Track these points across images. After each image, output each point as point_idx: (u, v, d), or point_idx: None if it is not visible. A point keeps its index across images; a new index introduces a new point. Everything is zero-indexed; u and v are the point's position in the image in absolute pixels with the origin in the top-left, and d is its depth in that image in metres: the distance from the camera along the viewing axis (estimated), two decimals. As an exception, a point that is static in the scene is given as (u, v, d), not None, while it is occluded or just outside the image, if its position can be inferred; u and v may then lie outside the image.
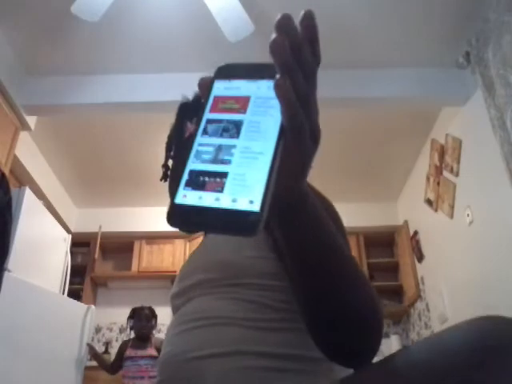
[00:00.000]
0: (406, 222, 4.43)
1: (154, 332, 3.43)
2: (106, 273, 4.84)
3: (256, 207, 0.33)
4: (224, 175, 0.35)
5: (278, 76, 0.35)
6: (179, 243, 4.76)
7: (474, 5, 2.60)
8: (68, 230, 4.24)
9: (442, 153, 3.46)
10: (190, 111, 0.98)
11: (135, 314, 3.36)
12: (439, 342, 0.49)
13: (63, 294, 3.61)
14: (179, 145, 0.97)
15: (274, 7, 2.62)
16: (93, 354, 3.41)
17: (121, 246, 4.86)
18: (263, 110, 0.37)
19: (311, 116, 0.38)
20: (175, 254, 4.73)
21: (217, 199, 0.34)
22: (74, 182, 4.41)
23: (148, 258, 4.75)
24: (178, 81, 3.04)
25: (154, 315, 3.41)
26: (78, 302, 3.54)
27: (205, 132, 0.37)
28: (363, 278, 0.54)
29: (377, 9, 2.65)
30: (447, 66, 2.96)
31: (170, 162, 1.02)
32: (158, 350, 3.26)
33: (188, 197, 0.35)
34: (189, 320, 0.72)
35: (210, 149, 0.36)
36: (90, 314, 3.47)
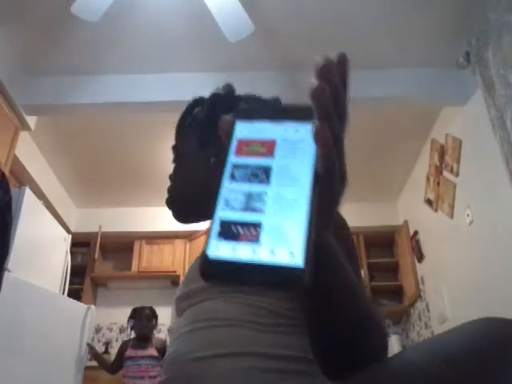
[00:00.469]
0: (405, 222, 4.43)
1: (154, 332, 3.44)
2: (105, 273, 4.84)
3: (298, 260, 0.31)
4: (258, 225, 0.33)
5: (316, 121, 0.35)
6: (179, 243, 4.76)
7: (473, 5, 2.60)
8: (68, 230, 4.24)
9: (442, 153, 3.46)
10: (222, 104, 0.91)
11: (136, 314, 3.36)
12: (439, 344, 0.48)
13: (63, 294, 3.61)
14: (206, 133, 0.90)
15: (274, 7, 2.62)
16: (93, 353, 3.41)
17: (121, 246, 4.86)
18: (292, 154, 0.36)
19: (341, 156, 0.39)
20: (175, 254, 4.73)
21: (254, 251, 0.32)
22: (73, 182, 4.41)
23: (148, 258, 4.74)
24: (178, 81, 3.04)
25: (154, 315, 3.42)
26: (78, 302, 3.54)
27: (232, 177, 0.36)
28: (375, 314, 0.55)
29: (377, 9, 2.65)
30: (447, 66, 2.96)
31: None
32: (159, 350, 3.26)
33: (222, 249, 0.32)
34: (196, 321, 0.73)
35: (240, 196, 0.34)
36: (90, 314, 3.47)
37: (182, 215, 0.95)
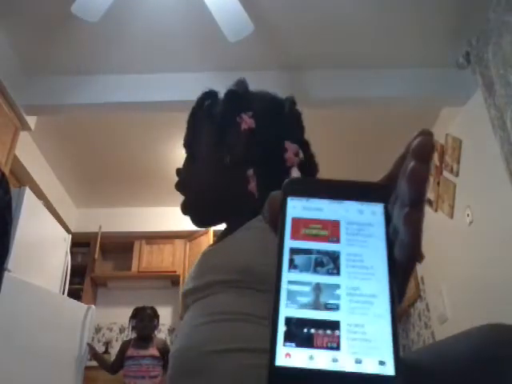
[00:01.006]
0: (406, 222, 4.43)
1: (155, 332, 3.44)
2: (105, 273, 4.84)
3: (390, 370, 0.26)
4: (335, 325, 0.28)
5: (408, 208, 0.30)
6: (179, 243, 4.76)
7: (473, 5, 2.60)
8: (68, 230, 4.24)
9: (442, 153, 3.47)
10: (241, 102, 0.90)
11: (137, 314, 3.37)
12: (444, 349, 0.48)
13: (63, 294, 3.61)
14: (227, 134, 0.89)
15: (274, 7, 2.62)
16: (93, 353, 3.41)
17: (121, 246, 4.86)
18: (361, 239, 0.31)
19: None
20: (175, 254, 4.73)
21: (334, 359, 0.27)
22: (74, 181, 4.41)
23: (148, 258, 4.75)
24: (178, 81, 3.04)
25: (156, 315, 3.42)
26: (78, 302, 3.55)
27: (292, 265, 0.30)
28: None
29: (377, 9, 2.65)
30: (447, 66, 2.96)
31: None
32: (160, 350, 3.27)
33: (293, 357, 0.27)
34: (203, 315, 0.72)
35: (306, 288, 0.29)
36: (90, 314, 3.47)
37: (200, 220, 0.92)
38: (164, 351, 3.26)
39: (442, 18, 2.71)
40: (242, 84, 0.94)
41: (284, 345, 0.27)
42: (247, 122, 0.87)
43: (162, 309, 4.68)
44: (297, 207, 0.32)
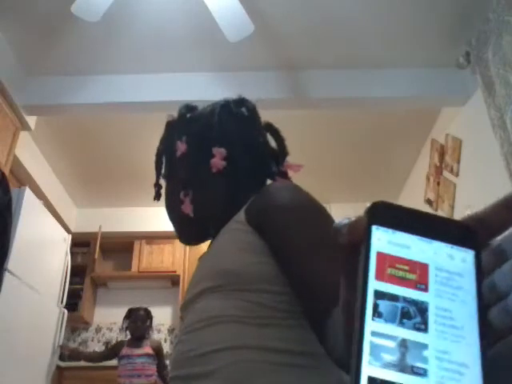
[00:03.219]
0: (406, 222, 4.43)
1: (150, 333, 3.44)
2: (105, 273, 4.83)
3: None
4: None
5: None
6: (179, 243, 4.70)
7: (474, 5, 2.60)
8: (68, 230, 4.24)
9: (442, 153, 3.46)
10: (177, 130, 0.96)
11: (131, 315, 3.38)
12: None
13: (63, 294, 3.62)
14: (171, 164, 0.96)
15: (274, 7, 2.62)
16: (68, 351, 3.52)
17: (121, 246, 4.86)
18: (451, 291, 0.26)
19: None
20: (175, 254, 4.72)
21: None
22: (74, 181, 4.41)
23: (148, 258, 4.74)
24: (178, 81, 3.04)
25: (149, 316, 3.42)
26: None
27: (376, 313, 0.25)
28: None
29: (377, 9, 2.65)
30: (447, 65, 2.96)
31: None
32: (154, 349, 3.28)
33: None
34: (195, 322, 0.75)
35: (391, 344, 0.25)
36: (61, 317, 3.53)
37: (183, 241, 1.00)
38: (158, 350, 3.28)
39: (442, 18, 2.71)
40: (183, 109, 0.99)
41: None
42: (180, 147, 0.92)
43: (162, 309, 4.69)
44: (382, 240, 0.27)
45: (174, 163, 0.95)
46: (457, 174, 3.24)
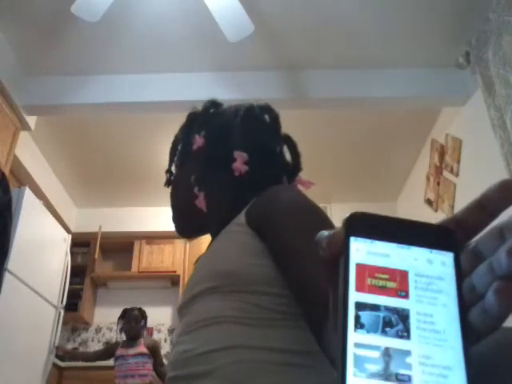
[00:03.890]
0: (406, 222, 4.42)
1: (144, 333, 3.44)
2: (105, 273, 4.84)
3: None
4: None
5: (506, 280, 0.26)
6: (179, 243, 4.76)
7: (474, 5, 2.60)
8: (68, 230, 4.24)
9: (442, 153, 3.46)
10: (198, 122, 0.96)
11: (125, 315, 3.38)
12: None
13: (63, 294, 3.62)
14: (186, 156, 0.97)
15: (274, 7, 2.62)
16: (64, 352, 3.53)
17: (121, 246, 4.86)
18: (431, 296, 0.27)
19: None
20: (175, 254, 4.73)
21: None
22: (74, 181, 4.41)
23: (148, 258, 4.74)
24: (178, 81, 3.04)
25: (143, 316, 3.42)
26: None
27: (358, 324, 0.26)
28: None
29: (377, 9, 2.65)
30: (447, 65, 2.96)
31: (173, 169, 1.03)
32: (149, 347, 3.28)
33: None
34: (192, 323, 0.75)
35: (375, 354, 0.25)
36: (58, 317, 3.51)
37: (180, 232, 1.01)
38: (153, 348, 3.28)
39: (442, 18, 2.71)
40: (209, 103, 0.99)
41: None
42: (197, 141, 0.92)
43: (162, 309, 4.69)
44: (361, 251, 0.28)
45: (188, 155, 0.95)
46: (457, 174, 3.24)
